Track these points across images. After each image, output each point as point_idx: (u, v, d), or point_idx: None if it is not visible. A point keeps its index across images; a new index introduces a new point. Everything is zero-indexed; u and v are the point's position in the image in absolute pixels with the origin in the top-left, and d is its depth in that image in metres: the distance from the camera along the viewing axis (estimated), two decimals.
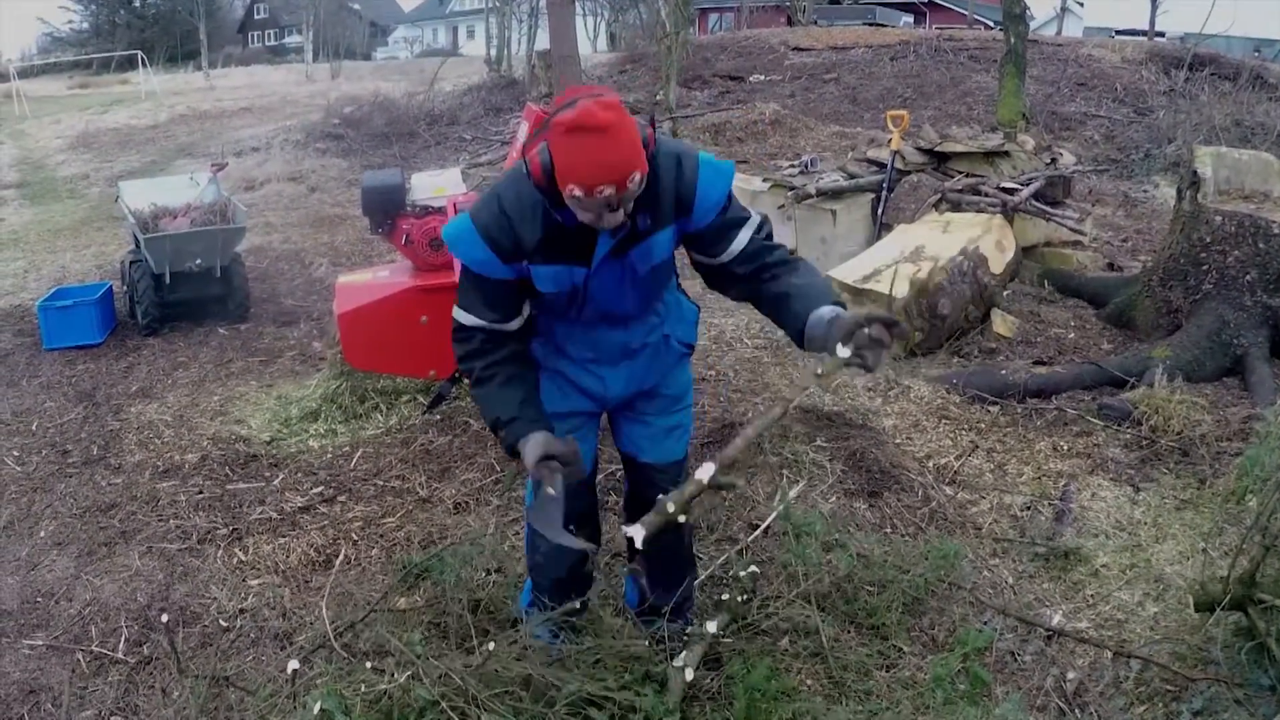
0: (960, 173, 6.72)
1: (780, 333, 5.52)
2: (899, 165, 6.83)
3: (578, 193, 2.07)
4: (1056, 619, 3.03)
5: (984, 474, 4.00)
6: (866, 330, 2.06)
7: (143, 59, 27.10)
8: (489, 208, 2.29)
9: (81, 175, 13.72)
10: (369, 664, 2.43)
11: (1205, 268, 5.02)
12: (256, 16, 56.36)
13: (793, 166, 7.91)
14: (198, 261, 6.17)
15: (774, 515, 3.44)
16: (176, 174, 8.36)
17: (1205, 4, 14.99)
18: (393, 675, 2.28)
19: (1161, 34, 21.56)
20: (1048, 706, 2.69)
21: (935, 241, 5.58)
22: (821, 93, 14.44)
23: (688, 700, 2.54)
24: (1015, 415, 4.45)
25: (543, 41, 18.51)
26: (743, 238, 2.36)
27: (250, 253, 7.83)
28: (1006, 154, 6.84)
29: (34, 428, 4.85)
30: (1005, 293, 5.73)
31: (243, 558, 3.55)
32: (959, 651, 2.73)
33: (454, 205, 4.26)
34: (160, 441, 4.59)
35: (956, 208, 6.20)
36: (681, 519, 2.11)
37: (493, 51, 19.10)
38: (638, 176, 2.09)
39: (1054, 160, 7.03)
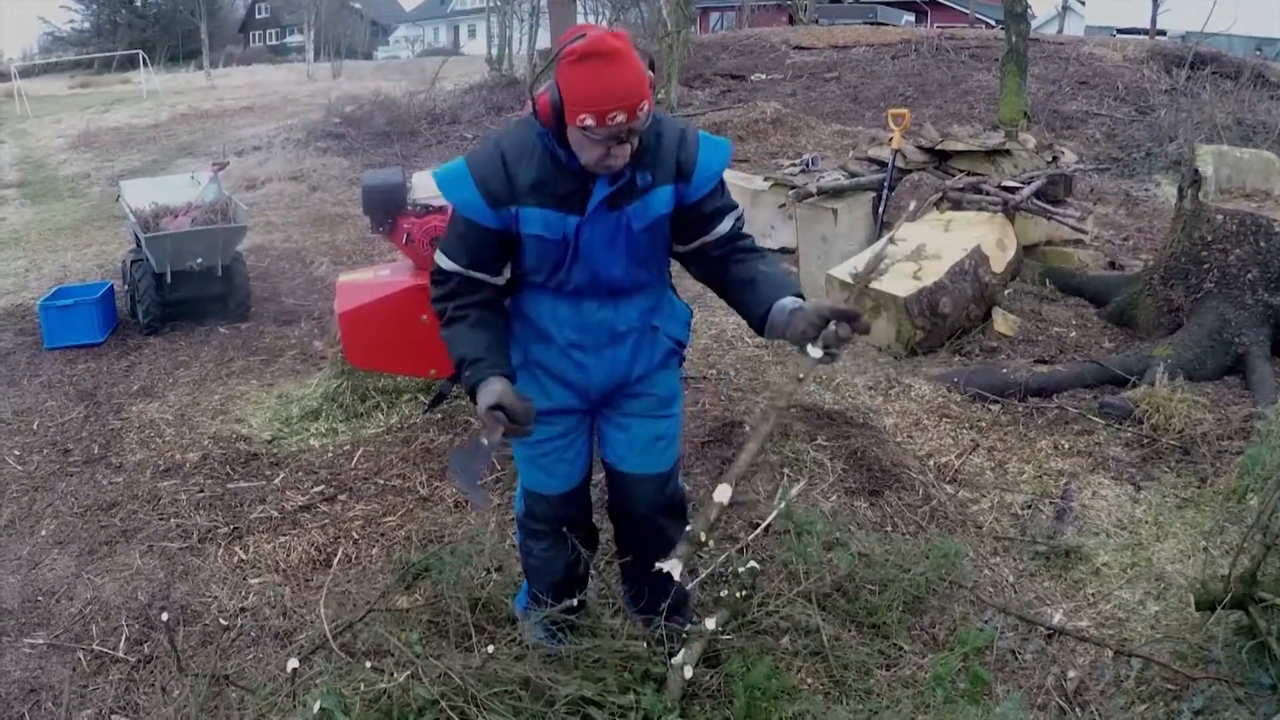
0: (961, 171, 6.71)
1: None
2: (900, 164, 6.82)
3: (589, 121, 2.08)
4: (1057, 618, 3.03)
5: (985, 472, 4.00)
6: (834, 329, 2.15)
7: (144, 58, 27.11)
8: (486, 150, 2.30)
9: (82, 174, 13.73)
10: (369, 663, 2.43)
11: (1206, 266, 5.01)
12: (258, 16, 56.41)
13: (794, 165, 7.90)
14: (199, 260, 6.17)
15: (775, 514, 3.42)
16: (177, 173, 8.37)
17: (1207, 3, 14.95)
18: (392, 674, 2.28)
19: (1163, 33, 21.54)
20: (1048, 705, 2.69)
21: (936, 240, 5.58)
22: (823, 91, 14.43)
23: (688, 698, 2.54)
24: (1016, 414, 4.45)
25: (544, 40, 18.53)
26: (727, 223, 2.41)
27: (251, 252, 7.83)
28: (1008, 152, 6.83)
29: (35, 427, 4.85)
30: (1006, 291, 5.73)
31: (243, 556, 3.55)
32: (959, 650, 2.72)
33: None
34: (161, 440, 4.59)
35: (958, 206, 6.19)
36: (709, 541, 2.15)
37: (494, 50, 19.07)
38: (646, 107, 2.11)
39: (1055, 159, 7.02)
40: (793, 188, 6.83)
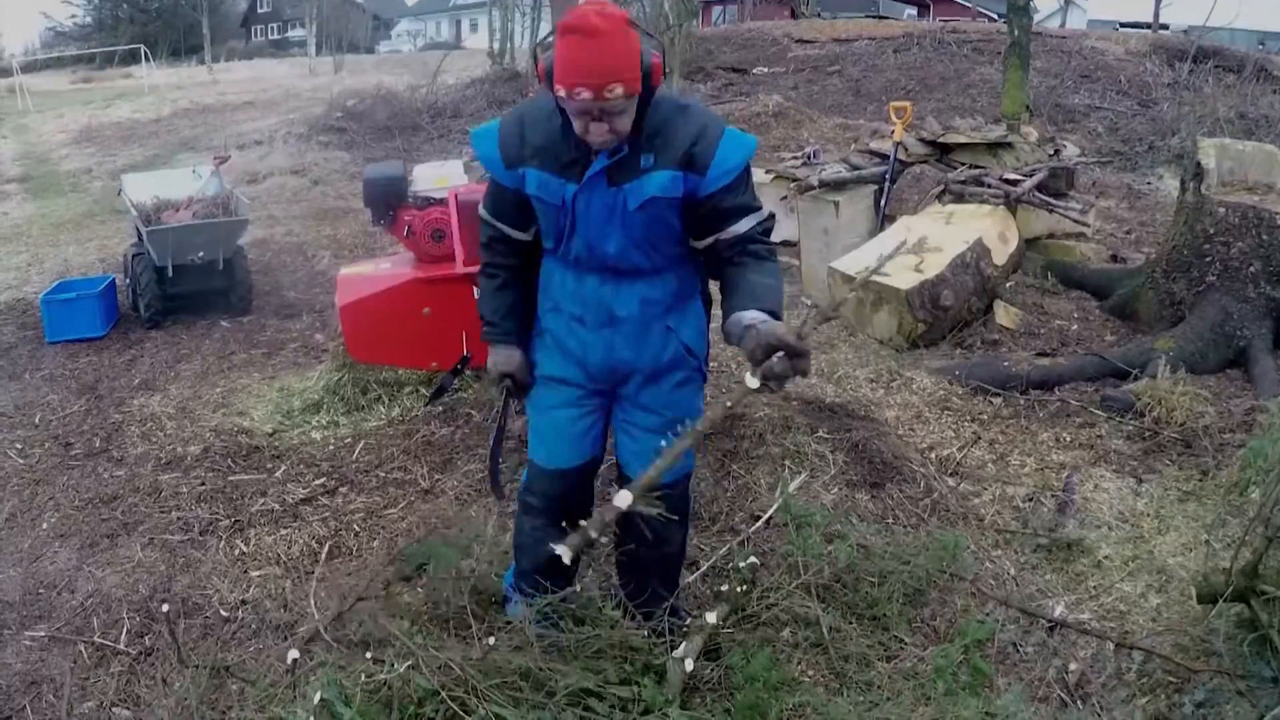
0: (963, 164, 6.70)
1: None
2: (902, 157, 6.80)
3: (561, 93, 2.15)
4: (1059, 610, 3.02)
5: (986, 465, 3.99)
6: (774, 364, 2.08)
7: (146, 53, 27.07)
8: (513, 113, 2.44)
9: (84, 169, 13.72)
10: (369, 654, 2.43)
11: (1208, 259, 5.00)
12: (259, 10, 56.34)
13: (796, 158, 7.89)
14: (200, 254, 6.16)
15: (775, 506, 3.44)
16: (179, 167, 8.36)
17: None
18: (392, 665, 2.28)
19: (1165, 27, 21.49)
20: (1050, 698, 2.68)
21: (938, 233, 5.57)
22: (825, 85, 14.40)
23: (688, 691, 2.54)
24: (1018, 406, 4.45)
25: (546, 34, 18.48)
26: (745, 224, 2.37)
27: (253, 246, 7.82)
28: (1010, 146, 6.81)
29: (36, 420, 4.85)
30: (1008, 284, 5.72)
31: (244, 549, 3.55)
32: (960, 643, 2.72)
33: (456, 197, 4.25)
34: (162, 433, 4.59)
35: (960, 199, 6.18)
36: (604, 540, 2.21)
37: (496, 45, 19.04)
38: (619, 90, 2.12)
39: (1057, 152, 7.00)
40: (795, 180, 6.82)
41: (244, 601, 3.24)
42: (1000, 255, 5.60)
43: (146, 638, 3.09)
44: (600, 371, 2.56)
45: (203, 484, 4.04)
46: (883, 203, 6.58)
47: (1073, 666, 2.78)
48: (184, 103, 20.30)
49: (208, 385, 5.19)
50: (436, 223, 4.41)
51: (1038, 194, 6.07)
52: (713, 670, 2.66)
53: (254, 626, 3.10)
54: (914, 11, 34.36)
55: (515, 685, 2.28)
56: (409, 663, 2.25)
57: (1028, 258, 6.11)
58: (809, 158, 7.52)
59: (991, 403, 4.50)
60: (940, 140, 6.96)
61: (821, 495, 3.65)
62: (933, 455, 4.04)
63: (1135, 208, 8.82)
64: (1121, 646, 2.79)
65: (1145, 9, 22.42)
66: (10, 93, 23.07)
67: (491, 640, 2.36)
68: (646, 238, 2.41)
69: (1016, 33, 9.12)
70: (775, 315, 2.23)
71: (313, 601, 3.05)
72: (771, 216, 2.47)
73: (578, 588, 2.73)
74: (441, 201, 4.43)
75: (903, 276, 5.18)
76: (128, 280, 6.44)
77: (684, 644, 2.58)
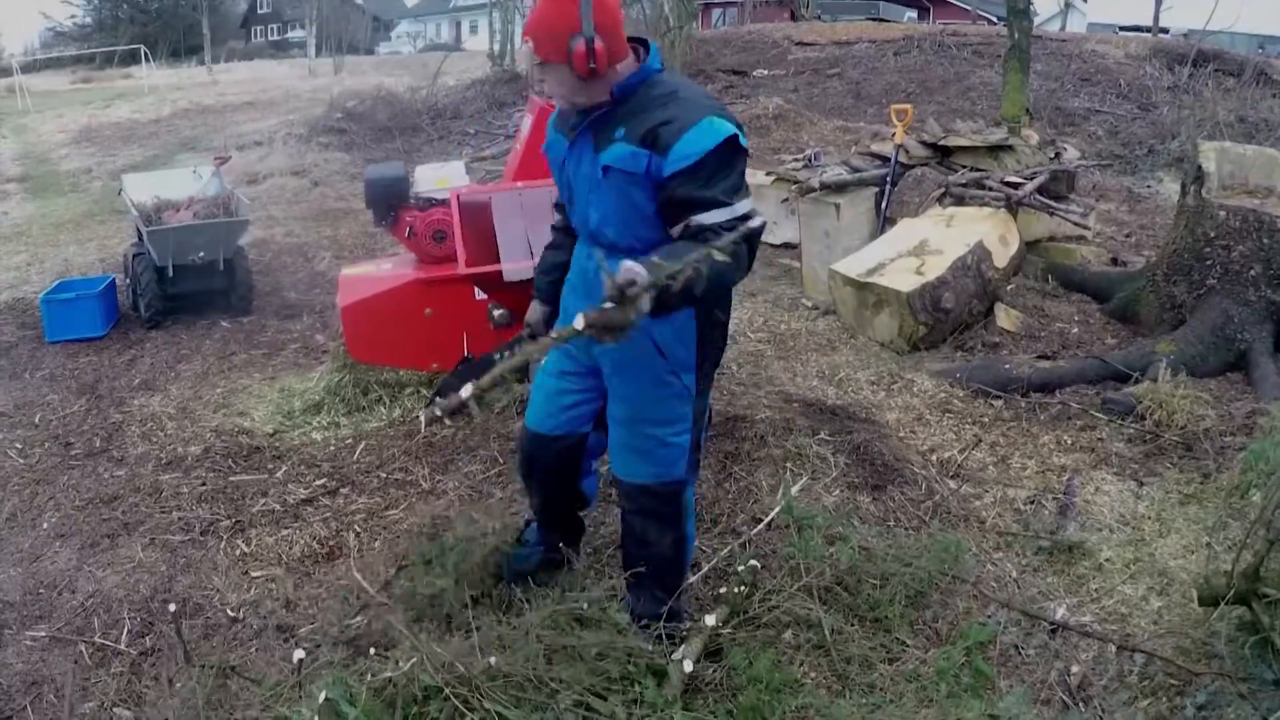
0: (964, 167, 6.70)
1: (783, 326, 5.51)
2: (903, 159, 6.81)
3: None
4: (1060, 613, 3.03)
5: (987, 468, 4.00)
6: (605, 311, 1.91)
7: (145, 54, 27.08)
8: None
9: (84, 169, 13.70)
10: (373, 652, 2.43)
11: (1209, 263, 5.00)
12: (259, 11, 56.34)
13: (796, 160, 7.89)
14: (201, 254, 6.16)
15: (777, 509, 3.44)
16: (180, 168, 8.35)
17: (1209, 0, 14.94)
18: (397, 663, 2.28)
19: (1165, 30, 21.52)
20: (1051, 700, 2.69)
21: (939, 235, 5.57)
22: (825, 87, 14.40)
23: (691, 692, 2.54)
24: (1019, 409, 4.45)
25: None
26: (713, 216, 2.25)
27: (253, 246, 7.82)
28: (1010, 149, 6.81)
29: (37, 420, 4.85)
30: (1009, 287, 5.72)
31: (245, 549, 3.55)
32: (962, 645, 2.72)
33: (457, 198, 4.26)
34: (163, 434, 4.59)
35: (960, 202, 6.18)
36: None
37: (496, 46, 19.03)
38: (531, 46, 2.32)
39: (1058, 155, 7.01)
40: (795, 183, 6.82)
41: (245, 602, 3.23)
42: (1001, 258, 5.60)
43: (147, 638, 3.09)
44: (577, 345, 2.52)
45: (203, 484, 4.04)
46: (884, 205, 6.58)
47: (1074, 669, 2.78)
48: (184, 103, 20.29)
49: (208, 385, 5.19)
50: (438, 224, 4.42)
51: (1038, 197, 6.08)
52: (715, 672, 2.67)
53: (256, 627, 3.10)
54: (914, 14, 34.39)
55: (518, 684, 2.28)
56: (413, 660, 2.25)
57: (1028, 260, 6.11)
58: (810, 160, 7.52)
59: (992, 405, 4.50)
60: (941, 143, 6.96)
61: (823, 497, 3.65)
62: (934, 458, 4.04)
63: (1136, 211, 8.82)
64: (1123, 649, 2.79)
65: (1145, 12, 22.45)
66: (10, 93, 23.06)
67: (497, 636, 2.36)
68: (617, 211, 2.41)
69: (1017, 36, 9.13)
70: (671, 276, 1.98)
71: (319, 603, 3.03)
72: (748, 217, 2.25)
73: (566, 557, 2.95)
74: (443, 202, 4.44)
75: (904, 279, 5.18)
76: (128, 280, 6.44)
77: (684, 646, 2.59)
